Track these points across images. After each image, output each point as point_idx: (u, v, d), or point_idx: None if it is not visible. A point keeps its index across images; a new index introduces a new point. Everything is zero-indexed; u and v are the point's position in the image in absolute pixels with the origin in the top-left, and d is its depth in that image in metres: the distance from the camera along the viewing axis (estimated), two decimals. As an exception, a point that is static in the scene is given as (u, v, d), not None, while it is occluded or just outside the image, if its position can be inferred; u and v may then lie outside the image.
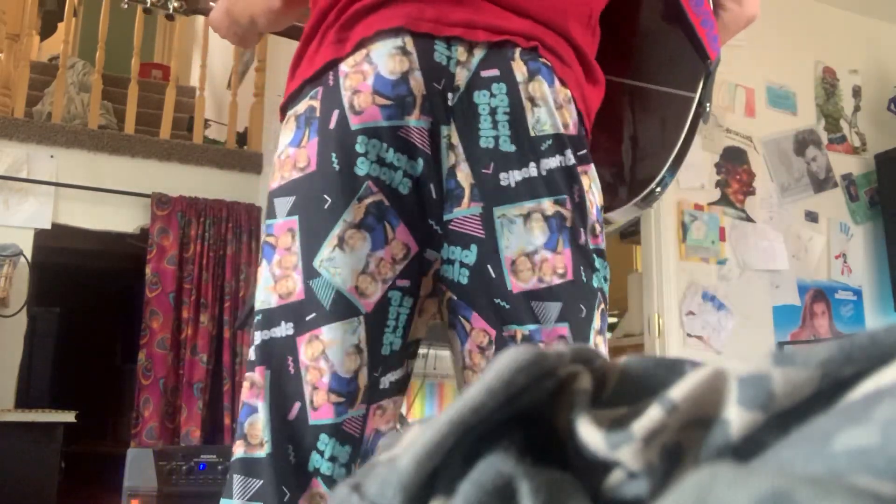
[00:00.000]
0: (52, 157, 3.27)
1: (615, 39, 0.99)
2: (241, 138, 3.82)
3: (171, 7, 1.31)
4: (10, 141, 3.22)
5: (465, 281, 0.83)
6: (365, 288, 0.81)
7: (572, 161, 0.83)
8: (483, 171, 0.81)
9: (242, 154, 3.65)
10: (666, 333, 2.90)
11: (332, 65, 0.84)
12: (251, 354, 0.85)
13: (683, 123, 0.97)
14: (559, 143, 0.83)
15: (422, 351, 2.43)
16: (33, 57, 4.10)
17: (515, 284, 0.81)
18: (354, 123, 0.81)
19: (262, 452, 0.80)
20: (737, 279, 3.10)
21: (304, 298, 0.81)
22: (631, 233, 3.94)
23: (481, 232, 0.82)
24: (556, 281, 0.81)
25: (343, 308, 0.80)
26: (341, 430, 0.81)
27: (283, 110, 0.91)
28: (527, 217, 0.81)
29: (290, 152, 0.85)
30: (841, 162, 3.53)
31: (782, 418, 0.20)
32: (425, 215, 0.83)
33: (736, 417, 0.20)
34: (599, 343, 0.85)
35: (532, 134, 0.82)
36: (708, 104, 0.98)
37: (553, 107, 0.83)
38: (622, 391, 0.23)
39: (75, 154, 3.32)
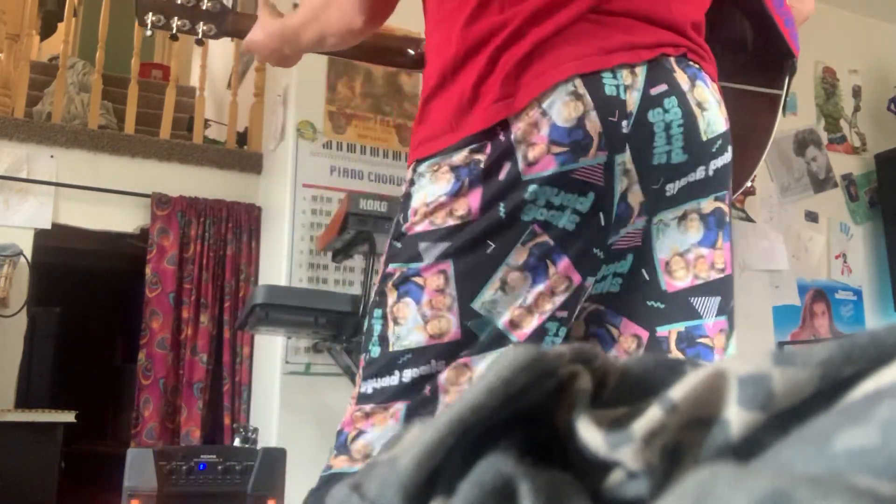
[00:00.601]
0: (52, 157, 3.27)
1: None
2: (241, 138, 3.82)
3: (199, 31, 1.22)
4: (10, 141, 3.22)
5: (616, 289, 0.85)
6: (520, 321, 0.81)
7: (731, 156, 0.87)
8: (653, 187, 0.83)
9: (242, 154, 3.65)
10: (666, 333, 2.90)
11: (506, 122, 0.81)
12: (381, 387, 0.82)
13: (774, 119, 1.00)
14: (725, 140, 0.86)
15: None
16: (33, 57, 4.09)
17: (671, 284, 0.83)
18: (527, 174, 0.80)
19: None
20: (737, 279, 3.10)
21: (460, 339, 0.81)
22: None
23: (638, 241, 0.84)
24: (714, 276, 0.84)
25: (496, 340, 0.81)
26: None
27: (425, 159, 0.87)
28: (682, 218, 0.84)
29: (443, 200, 0.83)
30: (841, 162, 3.53)
31: (782, 418, 0.20)
32: (590, 245, 0.83)
33: (736, 417, 0.20)
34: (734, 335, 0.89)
35: (704, 139, 0.84)
36: (787, 99, 1.02)
37: (716, 106, 0.85)
38: (622, 391, 0.23)
39: (75, 154, 3.32)
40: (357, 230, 2.32)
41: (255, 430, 2.55)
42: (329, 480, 0.83)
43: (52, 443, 2.74)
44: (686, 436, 0.21)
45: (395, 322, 0.84)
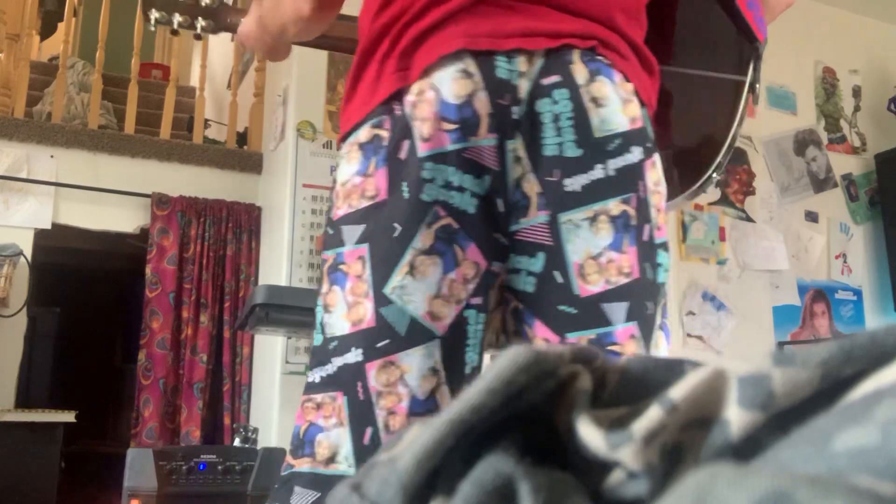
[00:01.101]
0: (52, 157, 3.27)
1: (661, 27, 0.98)
2: (241, 138, 3.82)
3: (198, 27, 1.26)
4: (10, 141, 3.22)
5: (531, 289, 0.83)
6: (439, 311, 0.82)
7: (640, 157, 0.83)
8: (548, 179, 0.81)
9: (242, 154, 3.65)
10: (666, 333, 2.90)
11: (398, 94, 0.84)
12: (320, 376, 0.84)
13: (737, 107, 0.96)
14: (626, 140, 0.82)
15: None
16: (33, 57, 4.09)
17: (584, 289, 0.81)
18: (422, 151, 0.81)
19: (339, 471, 0.81)
20: (737, 279, 3.10)
21: (374, 326, 0.82)
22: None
23: (549, 240, 0.82)
24: (623, 281, 0.81)
25: (418, 334, 0.81)
26: None
27: (343, 139, 0.90)
28: (592, 220, 0.81)
29: (356, 181, 0.85)
30: (841, 162, 3.53)
31: (782, 418, 0.20)
32: (492, 230, 0.83)
33: (736, 417, 0.20)
34: (661, 339, 0.85)
35: (597, 136, 0.81)
36: (758, 85, 0.97)
37: (618, 104, 0.82)
38: (622, 391, 0.23)
39: (75, 154, 3.32)
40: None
41: (255, 430, 2.55)
42: (289, 480, 0.83)
43: (52, 443, 2.75)
44: (686, 436, 0.21)
45: (327, 310, 0.86)
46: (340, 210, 0.86)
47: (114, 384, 5.34)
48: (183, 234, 3.32)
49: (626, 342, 0.81)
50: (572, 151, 0.81)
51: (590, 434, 0.21)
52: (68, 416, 2.80)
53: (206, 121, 3.94)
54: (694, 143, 0.98)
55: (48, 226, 3.19)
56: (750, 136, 3.27)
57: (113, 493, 2.70)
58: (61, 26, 4.66)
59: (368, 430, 0.81)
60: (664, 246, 0.86)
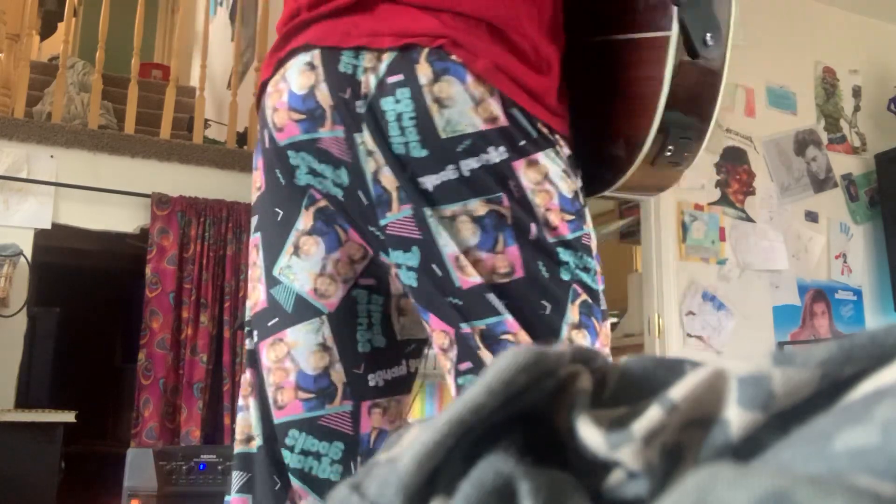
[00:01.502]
0: (52, 157, 3.27)
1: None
2: (241, 138, 3.82)
3: None
4: (10, 141, 3.22)
5: (414, 283, 0.82)
6: (324, 289, 0.84)
7: (503, 156, 0.79)
8: (402, 174, 0.80)
9: (242, 154, 3.65)
10: (666, 333, 2.90)
11: (263, 87, 0.88)
12: (245, 358, 0.90)
13: (663, 66, 0.82)
14: (480, 141, 0.79)
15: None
16: (33, 57, 4.09)
17: (464, 280, 0.79)
18: (280, 140, 0.84)
19: (254, 448, 0.85)
20: (737, 279, 3.10)
21: (266, 307, 0.86)
22: (631, 233, 3.94)
23: (417, 233, 0.80)
24: (500, 280, 0.78)
25: (304, 310, 0.84)
26: (319, 426, 0.84)
27: None
28: (452, 219, 0.79)
29: (253, 175, 0.91)
30: (841, 162, 3.53)
31: (782, 418, 0.20)
32: (365, 222, 0.84)
33: (736, 417, 0.20)
34: (578, 338, 0.81)
35: (443, 136, 0.78)
36: (709, 35, 0.82)
37: (467, 105, 0.79)
38: (622, 391, 0.23)
39: (75, 154, 3.32)
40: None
41: (255, 430, 2.55)
42: (232, 465, 0.88)
43: (52, 443, 2.74)
44: (686, 436, 0.21)
45: (248, 298, 0.91)
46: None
47: (114, 384, 5.34)
48: (183, 234, 3.32)
49: (516, 331, 0.78)
50: (418, 152, 0.79)
51: (590, 434, 0.21)
52: (68, 416, 2.80)
53: (206, 121, 3.94)
54: (631, 115, 0.87)
55: (48, 226, 3.19)
56: (750, 136, 3.28)
57: (113, 493, 2.70)
58: (61, 26, 4.66)
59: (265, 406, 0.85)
60: (568, 244, 0.81)
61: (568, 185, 0.83)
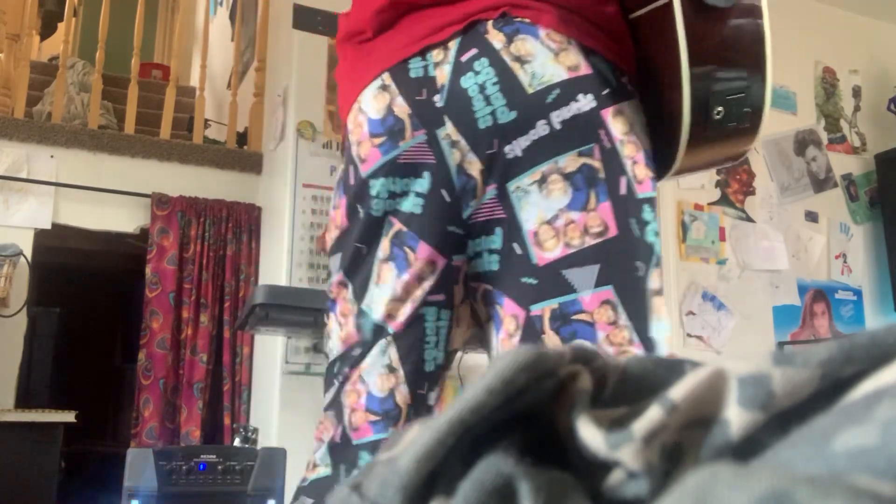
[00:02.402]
0: (52, 157, 3.27)
1: None
2: (241, 138, 3.82)
3: None
4: (10, 141, 3.22)
5: (496, 267, 0.81)
6: (395, 311, 0.84)
7: (592, 104, 0.77)
8: (489, 151, 0.79)
9: (242, 154, 3.65)
10: (666, 333, 2.90)
11: (346, 128, 0.89)
12: (327, 399, 0.89)
13: (674, 30, 0.79)
14: (568, 89, 0.77)
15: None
16: (33, 57, 4.09)
17: (541, 257, 0.77)
18: (364, 171, 0.84)
19: (319, 475, 0.86)
20: (737, 279, 3.10)
21: (356, 340, 0.86)
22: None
23: (501, 212, 0.80)
24: (590, 242, 0.75)
25: (376, 334, 0.84)
26: None
27: None
28: (541, 182, 0.77)
29: (332, 214, 0.91)
30: (841, 162, 3.53)
31: (782, 418, 0.20)
32: (443, 223, 0.83)
33: (736, 417, 0.20)
34: (660, 306, 0.78)
35: (530, 91, 0.77)
36: None
37: (548, 56, 0.77)
38: (622, 391, 0.23)
39: (75, 154, 3.32)
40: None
41: (255, 430, 2.55)
42: (299, 492, 0.87)
43: (52, 443, 2.74)
44: (686, 436, 0.21)
45: (329, 337, 0.90)
46: (328, 244, 0.92)
47: (114, 384, 5.34)
48: (183, 234, 3.32)
49: (597, 310, 0.75)
50: (505, 117, 0.78)
51: (590, 434, 0.21)
52: (68, 416, 2.80)
53: (206, 121, 3.94)
54: (664, 91, 0.83)
55: (48, 226, 3.19)
56: (750, 136, 3.27)
57: (113, 493, 2.70)
58: (61, 26, 4.66)
59: (339, 428, 0.86)
60: (650, 202, 0.80)
61: (649, 139, 0.81)
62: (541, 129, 0.77)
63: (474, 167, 0.81)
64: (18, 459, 2.65)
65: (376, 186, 0.84)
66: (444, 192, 0.83)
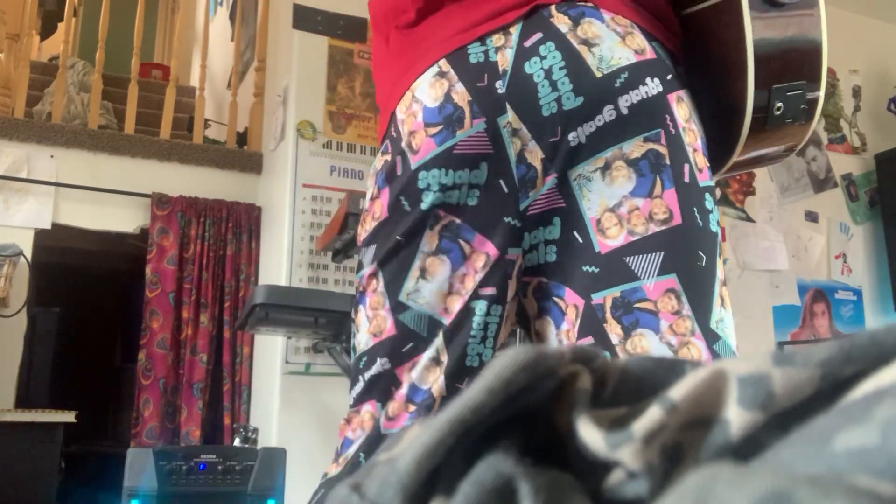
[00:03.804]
0: (52, 157, 3.27)
1: None
2: (241, 138, 3.82)
3: None
4: (10, 141, 3.22)
5: (553, 258, 0.79)
6: (451, 307, 0.82)
7: (659, 88, 0.76)
8: (551, 140, 0.77)
9: (242, 154, 3.65)
10: (666, 333, 2.90)
11: (393, 116, 0.85)
12: (353, 396, 0.85)
13: (741, 27, 0.79)
14: (636, 72, 0.76)
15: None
16: (33, 57, 4.09)
17: (603, 244, 0.75)
18: (414, 162, 0.81)
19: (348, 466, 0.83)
20: (737, 279, 3.10)
21: (395, 333, 0.83)
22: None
23: (561, 202, 0.78)
24: (654, 229, 0.74)
25: (435, 329, 0.82)
26: None
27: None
28: (605, 169, 0.76)
29: (367, 205, 0.87)
30: (841, 162, 3.53)
31: (782, 418, 0.20)
32: (500, 215, 0.81)
33: (736, 417, 0.20)
34: (725, 296, 0.77)
35: (599, 75, 0.75)
36: None
37: (615, 39, 0.76)
38: (622, 391, 0.23)
39: (75, 154, 3.32)
40: (357, 230, 2.32)
41: (255, 430, 2.55)
42: (320, 487, 0.85)
43: (52, 443, 2.74)
44: (686, 436, 0.21)
45: (357, 331, 0.87)
46: (361, 235, 0.88)
47: (114, 384, 5.34)
48: (183, 234, 3.32)
49: (660, 298, 0.74)
50: (571, 102, 0.76)
51: (590, 434, 0.21)
52: (68, 416, 2.80)
53: (206, 121, 3.94)
54: (723, 86, 0.83)
55: (48, 226, 3.19)
56: (750, 136, 3.28)
57: (113, 493, 2.70)
58: (61, 26, 4.66)
59: (375, 421, 0.83)
60: (711, 190, 0.78)
61: (700, 128, 0.81)
62: (607, 114, 0.75)
63: (535, 156, 0.78)
64: (18, 459, 2.65)
65: (427, 178, 0.80)
66: (501, 183, 0.80)
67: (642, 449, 0.20)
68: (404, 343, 0.82)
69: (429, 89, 0.81)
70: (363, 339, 0.85)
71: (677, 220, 0.74)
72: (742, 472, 0.16)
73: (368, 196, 0.88)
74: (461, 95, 0.79)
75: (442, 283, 0.81)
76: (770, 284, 3.18)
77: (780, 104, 0.80)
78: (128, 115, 3.56)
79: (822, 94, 0.84)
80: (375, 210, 0.86)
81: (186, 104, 4.36)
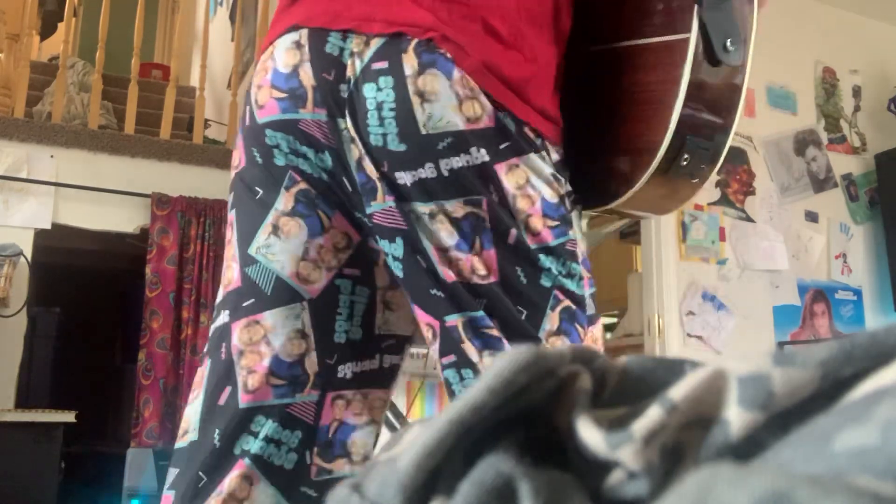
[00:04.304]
0: (52, 157, 3.27)
1: (600, 7, 0.88)
2: (241, 138, 3.82)
3: None
4: (10, 141, 3.22)
5: (400, 274, 0.81)
6: (307, 274, 0.82)
7: (484, 158, 0.76)
8: (381, 169, 0.79)
9: (242, 154, 3.65)
10: (666, 333, 2.90)
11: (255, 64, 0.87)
12: (203, 350, 0.87)
13: (680, 69, 0.79)
14: (462, 140, 0.76)
15: (422, 350, 2.43)
16: (33, 57, 4.09)
17: (447, 274, 0.78)
18: (259, 118, 0.83)
19: (186, 442, 0.83)
20: (737, 279, 3.10)
21: (240, 286, 0.83)
22: (631, 233, 3.94)
23: (403, 224, 0.79)
24: (477, 280, 0.77)
25: (285, 293, 0.82)
26: (285, 413, 0.82)
27: None
28: (432, 216, 0.78)
29: (233, 152, 0.89)
30: (841, 162, 3.53)
31: (782, 418, 0.20)
32: (351, 208, 0.83)
33: (736, 417, 0.20)
34: (557, 344, 0.78)
35: (424, 132, 0.76)
36: (728, 41, 0.79)
37: (452, 101, 0.76)
38: (622, 391, 0.23)
39: (75, 154, 3.32)
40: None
41: (255, 430, 2.55)
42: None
43: (52, 443, 2.74)
44: (686, 436, 0.21)
45: (222, 278, 0.88)
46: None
47: (114, 384, 5.34)
48: (183, 234, 3.32)
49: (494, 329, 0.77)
50: (395, 145, 0.77)
51: (590, 434, 0.21)
52: (68, 416, 2.80)
53: (206, 121, 3.94)
54: (641, 122, 0.83)
55: (48, 226, 3.19)
56: (750, 136, 3.27)
57: (113, 493, 2.70)
58: (61, 26, 4.66)
59: (227, 390, 0.82)
60: (549, 250, 0.80)
61: (553, 189, 0.81)
62: (428, 170, 0.77)
63: (372, 172, 0.79)
64: (18, 459, 2.65)
65: (277, 138, 0.82)
66: (345, 180, 0.82)
67: (642, 449, 0.20)
68: (246, 297, 0.83)
69: (284, 54, 0.82)
70: (220, 291, 0.87)
71: (494, 277, 0.78)
72: (742, 472, 0.16)
73: (234, 145, 0.89)
74: (307, 77, 0.80)
75: (297, 246, 0.82)
76: (770, 284, 3.18)
77: (687, 156, 0.81)
78: (128, 115, 3.55)
79: (721, 158, 0.86)
80: (234, 157, 0.87)
81: (186, 104, 4.36)
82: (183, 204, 3.35)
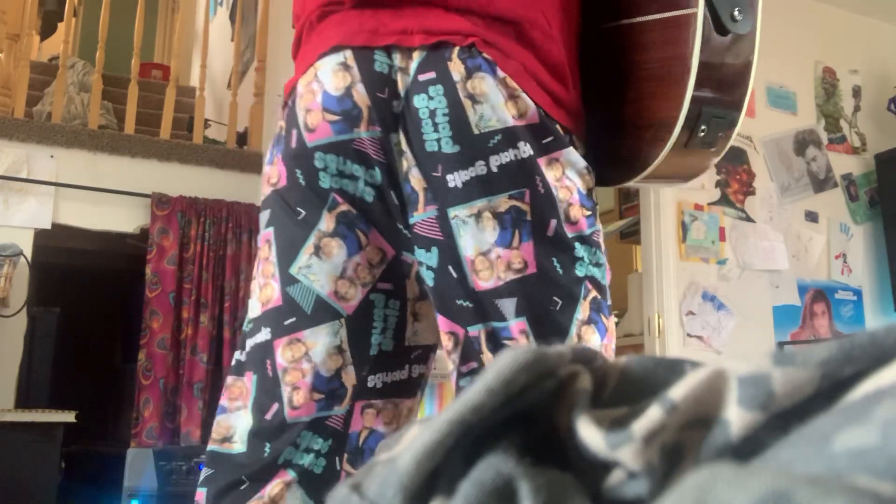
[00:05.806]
0: (52, 157, 3.27)
1: None
2: (241, 138, 3.82)
3: None
4: (10, 141, 3.22)
5: (430, 283, 0.85)
6: (345, 292, 0.85)
7: (529, 153, 0.82)
8: (433, 174, 0.82)
9: (242, 154, 3.65)
10: (666, 333, 2.90)
11: (294, 86, 0.89)
12: (236, 360, 0.89)
13: (687, 45, 0.80)
14: (510, 136, 0.81)
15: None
16: (33, 57, 4.09)
17: (478, 283, 0.82)
18: (310, 141, 0.85)
19: (232, 450, 0.85)
20: (737, 279, 3.10)
21: (281, 304, 0.86)
22: (631, 233, 3.94)
23: (439, 234, 0.83)
24: (512, 276, 0.81)
25: (324, 312, 0.85)
26: (324, 426, 0.85)
27: None
28: (478, 216, 0.81)
29: (266, 170, 0.91)
30: (841, 162, 3.53)
31: (782, 418, 0.20)
32: (393, 221, 0.86)
33: (736, 417, 0.20)
34: (588, 334, 0.83)
35: (476, 132, 0.81)
36: (737, 10, 0.80)
37: (499, 100, 0.81)
38: (622, 391, 0.23)
39: (75, 154, 3.32)
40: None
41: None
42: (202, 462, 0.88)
43: (52, 443, 2.74)
44: (686, 436, 0.21)
45: (251, 295, 0.91)
46: (262, 199, 0.92)
47: (114, 384, 5.34)
48: (183, 234, 3.32)
49: (518, 336, 0.81)
50: (450, 147, 0.81)
51: (590, 434, 0.21)
52: (68, 416, 2.80)
53: (206, 121, 3.94)
54: (656, 98, 0.85)
55: (48, 226, 3.19)
56: (750, 136, 3.27)
57: (113, 493, 2.70)
58: (61, 26, 4.66)
59: (274, 406, 0.85)
60: (585, 239, 0.84)
61: (584, 181, 0.86)
62: (479, 168, 0.81)
63: (418, 183, 0.84)
64: (18, 459, 2.65)
65: (324, 160, 0.84)
66: (392, 194, 0.85)
67: (642, 449, 0.20)
68: (288, 316, 0.85)
69: (332, 76, 0.84)
70: (254, 304, 0.89)
71: (531, 269, 0.81)
72: (742, 472, 0.16)
73: (267, 160, 0.91)
74: (362, 97, 0.83)
75: (336, 266, 0.85)
76: (770, 284, 3.18)
77: (704, 127, 0.82)
78: (128, 115, 3.55)
79: (739, 124, 0.87)
80: (272, 175, 0.89)
81: (186, 104, 4.35)
82: (183, 204, 3.35)
